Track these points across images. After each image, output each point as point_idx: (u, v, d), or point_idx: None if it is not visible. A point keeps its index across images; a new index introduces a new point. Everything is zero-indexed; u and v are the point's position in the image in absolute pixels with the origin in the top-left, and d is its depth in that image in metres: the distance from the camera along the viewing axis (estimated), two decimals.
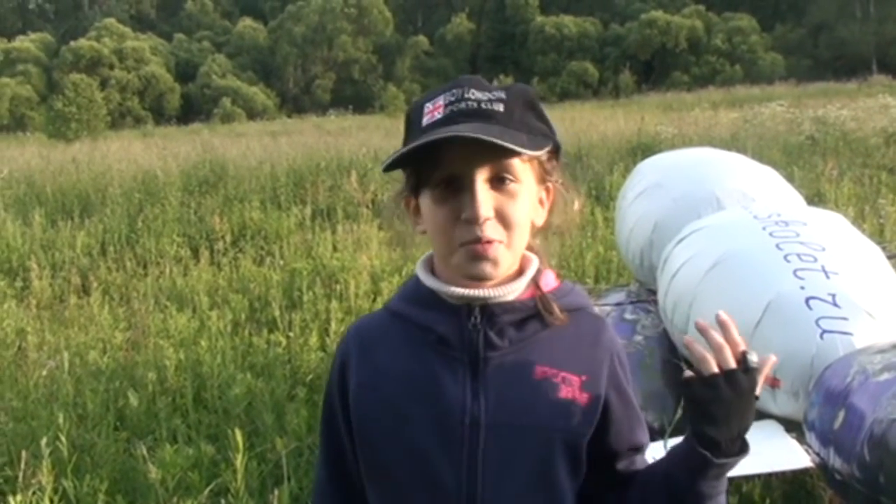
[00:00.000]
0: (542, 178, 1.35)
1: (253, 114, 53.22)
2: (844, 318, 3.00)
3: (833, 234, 3.53)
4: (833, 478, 2.67)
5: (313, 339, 5.46)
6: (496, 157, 1.24)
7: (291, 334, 5.72)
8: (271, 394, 4.67)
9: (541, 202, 1.36)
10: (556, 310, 1.36)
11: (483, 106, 1.26)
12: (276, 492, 3.39)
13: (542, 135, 1.30)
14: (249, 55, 65.69)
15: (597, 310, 1.48)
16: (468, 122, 1.24)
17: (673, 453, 1.34)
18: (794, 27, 61.50)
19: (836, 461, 2.62)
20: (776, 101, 20.54)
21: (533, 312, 1.36)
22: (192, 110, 55.83)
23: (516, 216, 1.28)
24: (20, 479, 3.60)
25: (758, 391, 1.27)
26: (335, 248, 8.43)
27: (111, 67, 57.60)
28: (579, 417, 1.33)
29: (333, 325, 5.73)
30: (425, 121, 1.28)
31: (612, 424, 1.38)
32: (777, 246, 3.38)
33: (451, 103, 1.27)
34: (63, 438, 3.77)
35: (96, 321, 6.39)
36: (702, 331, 1.28)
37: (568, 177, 1.42)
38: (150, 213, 10.70)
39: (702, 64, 58.92)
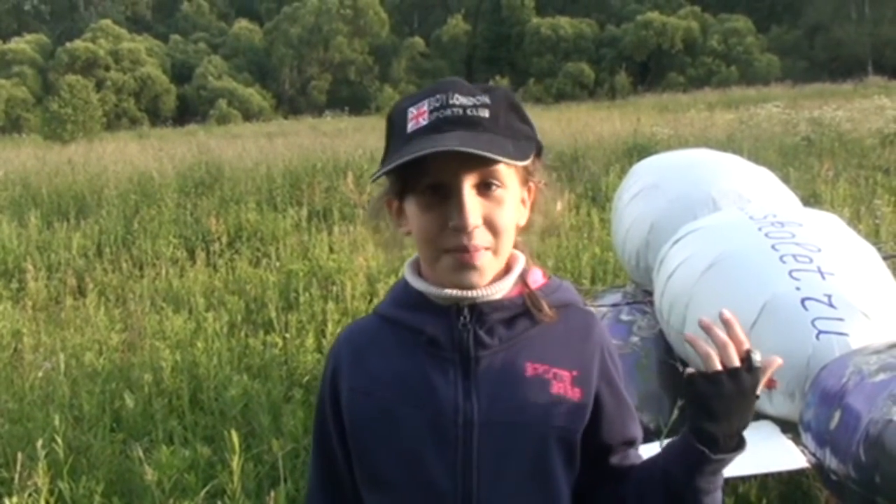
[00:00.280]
0: (525, 180, 1.36)
1: (249, 115, 53.17)
2: (840, 319, 3.01)
3: (829, 235, 3.53)
4: (829, 478, 2.68)
5: (310, 341, 5.45)
6: (483, 164, 1.24)
7: (288, 336, 5.71)
8: (268, 395, 4.66)
9: (523, 202, 1.37)
10: (545, 306, 1.36)
11: (468, 112, 1.25)
12: (272, 493, 3.38)
13: (525, 137, 1.30)
14: (245, 56, 65.64)
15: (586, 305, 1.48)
16: (454, 131, 1.23)
17: (670, 449, 1.34)
18: (790, 28, 61.59)
19: (832, 461, 2.63)
20: (772, 103, 20.56)
21: (522, 310, 1.36)
22: (188, 112, 55.79)
23: (503, 222, 1.29)
24: (16, 480, 3.59)
25: (759, 390, 1.27)
26: (331, 250, 8.42)
27: (107, 69, 57.52)
28: (572, 413, 1.34)
29: (330, 327, 5.73)
30: (410, 127, 1.27)
31: (604, 418, 1.38)
32: (773, 247, 3.38)
33: (435, 109, 1.26)
34: (59, 440, 3.77)
35: (92, 322, 6.39)
36: (706, 328, 1.29)
37: (549, 175, 1.43)
38: (146, 215, 10.70)
39: (698, 65, 58.97)
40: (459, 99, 1.26)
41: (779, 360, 1.29)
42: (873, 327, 3.01)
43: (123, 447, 4.31)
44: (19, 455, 3.67)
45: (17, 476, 3.61)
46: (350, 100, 55.62)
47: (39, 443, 3.59)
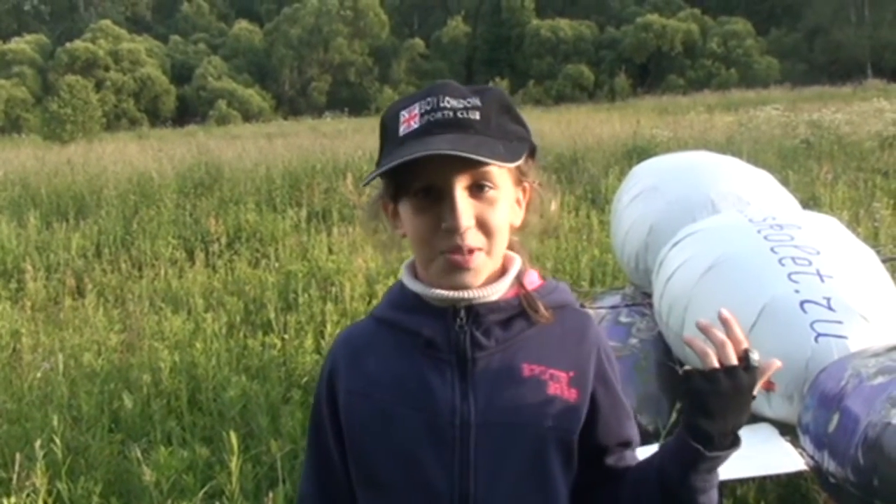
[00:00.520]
0: (519, 180, 1.36)
1: (248, 116, 53.17)
2: (839, 322, 3.01)
3: (828, 237, 3.54)
4: (827, 481, 2.68)
5: (308, 342, 5.45)
6: (474, 166, 1.24)
7: (286, 336, 5.72)
8: (266, 396, 4.66)
9: (517, 202, 1.37)
10: (541, 307, 1.37)
11: (459, 115, 1.26)
12: (270, 494, 3.38)
13: (518, 139, 1.31)
14: (245, 57, 65.63)
15: (581, 306, 1.49)
16: (445, 134, 1.24)
17: (665, 448, 1.35)
18: (790, 31, 61.62)
19: (830, 464, 2.63)
20: (771, 105, 20.59)
21: (518, 311, 1.37)
22: (188, 112, 55.79)
23: (496, 223, 1.30)
24: (14, 481, 3.60)
25: (756, 391, 1.28)
26: (330, 251, 8.43)
27: (106, 69, 57.51)
28: (568, 413, 1.34)
29: (329, 328, 5.73)
30: (402, 130, 1.28)
31: (600, 419, 1.39)
32: (772, 249, 3.38)
33: (426, 112, 1.26)
34: (57, 440, 3.77)
35: (91, 323, 6.39)
36: (704, 329, 1.29)
37: (544, 175, 1.43)
38: (145, 215, 10.70)
39: (697, 67, 58.97)
40: (450, 102, 1.27)
41: (777, 363, 1.29)
42: (872, 330, 3.01)
43: (122, 448, 4.31)
44: (17, 455, 3.67)
45: (15, 476, 3.61)
46: (350, 101, 55.64)
47: (38, 443, 3.59)
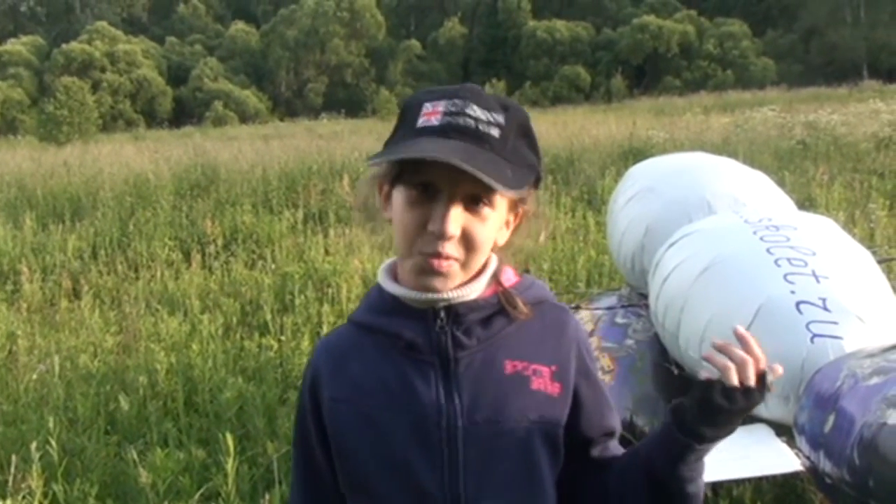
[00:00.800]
0: (515, 205, 1.37)
1: (245, 117, 53.18)
2: (835, 323, 3.01)
3: (823, 238, 3.54)
4: (823, 481, 2.68)
5: (305, 343, 5.45)
6: (477, 182, 1.23)
7: (283, 338, 5.72)
8: (262, 398, 4.66)
9: (507, 224, 1.38)
10: (520, 304, 1.38)
11: (480, 128, 1.26)
12: (266, 496, 3.38)
13: (528, 166, 1.31)
14: (242, 59, 65.64)
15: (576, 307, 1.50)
16: (461, 141, 1.24)
17: (652, 439, 1.36)
18: (786, 32, 61.73)
19: (826, 465, 2.63)
20: (767, 106, 20.59)
21: (497, 309, 1.37)
22: (184, 113, 55.75)
23: (481, 239, 1.30)
24: (10, 483, 3.59)
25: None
26: (327, 252, 8.43)
27: (103, 70, 57.50)
28: (553, 407, 1.36)
29: (325, 329, 5.72)
30: (421, 121, 1.27)
31: (583, 411, 1.40)
32: (768, 250, 3.38)
33: (450, 113, 1.26)
34: (53, 442, 3.76)
35: (87, 325, 6.38)
36: (721, 348, 1.28)
37: (538, 205, 1.43)
38: (141, 217, 10.69)
39: (693, 69, 59.08)
40: (476, 111, 1.26)
41: (780, 370, 1.29)
42: (868, 331, 3.02)
43: (118, 450, 4.31)
44: (13, 458, 3.67)
45: (10, 479, 3.61)
46: (346, 102, 55.65)
47: (34, 445, 3.59)
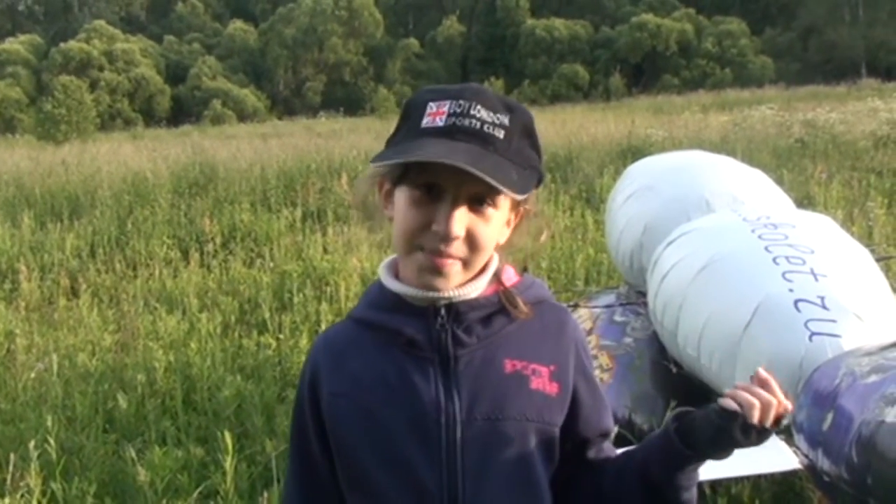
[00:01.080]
0: (516, 204, 1.38)
1: (243, 116, 53.11)
2: (833, 321, 3.01)
3: (822, 236, 3.54)
4: (821, 479, 2.68)
5: (303, 342, 5.45)
6: (483, 183, 1.24)
7: (281, 336, 5.72)
8: (261, 396, 4.66)
9: (507, 223, 1.38)
10: (520, 303, 1.38)
11: (485, 129, 1.26)
12: (265, 494, 3.38)
13: (531, 167, 1.31)
14: (240, 57, 65.55)
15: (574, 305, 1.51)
16: (466, 143, 1.24)
17: (651, 445, 1.37)
18: (784, 31, 61.72)
19: (824, 463, 2.63)
20: (766, 105, 20.61)
21: (498, 308, 1.38)
22: (183, 112, 55.66)
23: (485, 239, 1.31)
24: (8, 481, 3.60)
25: None
26: (325, 250, 8.43)
27: (101, 69, 57.40)
28: (551, 407, 1.36)
29: (324, 328, 5.71)
30: (425, 122, 1.28)
31: (581, 412, 1.41)
32: (766, 248, 3.38)
33: (454, 114, 1.26)
34: (52, 441, 3.76)
35: (85, 323, 6.37)
36: (746, 389, 1.29)
37: (538, 205, 1.44)
38: (139, 215, 10.69)
39: (692, 67, 59.05)
40: (481, 112, 1.27)
41: (791, 407, 1.30)
42: (866, 329, 3.02)
43: (116, 448, 4.31)
44: (12, 456, 3.67)
45: (9, 477, 3.61)
46: (345, 101, 55.57)
47: (32, 444, 3.59)
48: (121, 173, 14.02)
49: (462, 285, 1.34)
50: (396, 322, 1.36)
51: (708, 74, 56.66)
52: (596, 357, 3.88)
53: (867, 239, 6.51)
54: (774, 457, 2.88)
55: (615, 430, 1.50)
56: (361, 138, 20.09)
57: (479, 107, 1.27)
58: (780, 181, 5.69)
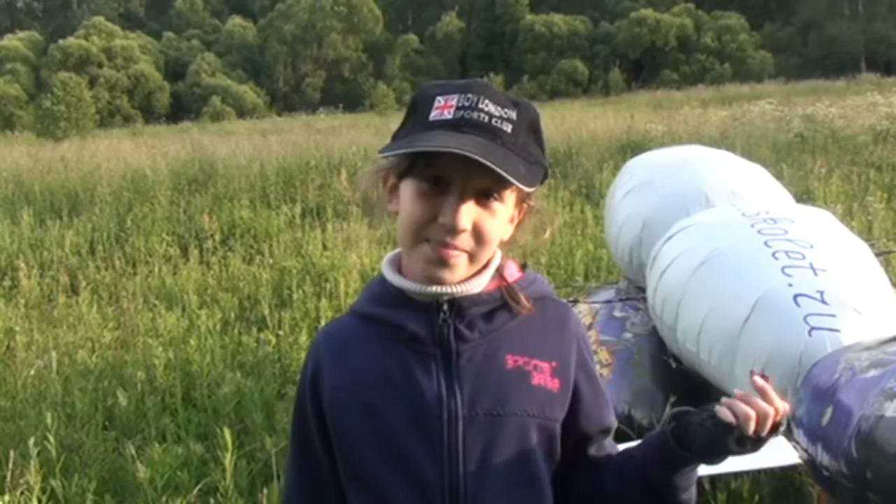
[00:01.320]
0: (521, 201, 1.38)
1: (243, 112, 53.03)
2: (832, 315, 3.01)
3: (821, 231, 3.54)
4: (821, 474, 2.68)
5: (303, 338, 5.45)
6: (491, 176, 1.24)
7: (281, 333, 5.72)
8: (261, 393, 4.66)
9: (511, 219, 1.39)
10: (523, 299, 1.39)
11: (493, 123, 1.27)
12: (265, 491, 3.38)
13: (537, 162, 1.31)
14: (239, 53, 65.46)
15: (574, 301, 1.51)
16: (475, 136, 1.25)
17: (650, 445, 1.37)
18: (784, 25, 61.65)
19: (823, 457, 2.63)
20: (765, 100, 20.57)
21: (500, 303, 1.38)
22: (182, 109, 55.62)
23: (491, 233, 1.31)
24: (8, 479, 3.59)
25: None
26: (325, 247, 8.43)
27: (100, 66, 57.33)
28: (552, 403, 1.37)
29: (323, 324, 5.71)
30: (433, 115, 1.28)
31: (582, 408, 1.41)
32: (765, 243, 3.38)
33: (463, 107, 1.27)
34: (51, 438, 3.76)
35: (85, 320, 6.38)
36: (743, 398, 1.29)
37: (542, 201, 1.45)
38: (139, 212, 10.68)
39: (691, 62, 58.99)
40: (489, 106, 1.28)
41: (789, 408, 1.32)
42: (865, 323, 3.02)
43: (116, 445, 4.31)
44: (11, 453, 3.67)
45: (9, 474, 3.61)
46: (344, 97, 55.52)
47: (31, 441, 3.59)
48: (120, 170, 14.01)
49: (465, 280, 1.34)
50: (399, 317, 1.36)
51: (707, 69, 56.61)
52: (595, 352, 3.87)
53: (866, 233, 6.51)
54: (774, 452, 2.88)
55: (615, 425, 1.50)
56: (361, 134, 20.08)
57: (486, 101, 1.28)
58: (779, 176, 5.68)
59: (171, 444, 4.04)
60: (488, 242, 1.32)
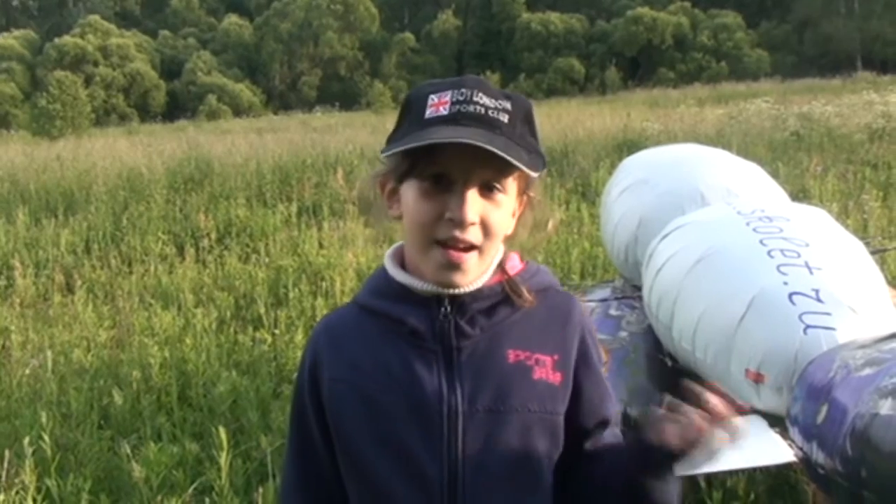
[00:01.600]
0: (522, 191, 1.37)
1: (239, 111, 53.06)
2: (828, 314, 3.01)
3: (817, 229, 3.54)
4: (816, 472, 2.68)
5: (299, 337, 5.45)
6: (494, 166, 1.24)
7: (277, 332, 5.71)
8: (256, 391, 4.66)
9: (513, 213, 1.38)
10: (524, 292, 1.38)
11: (490, 114, 1.27)
12: (260, 490, 3.38)
13: (536, 152, 1.31)
14: (235, 52, 65.44)
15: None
16: (473, 128, 1.24)
17: (630, 451, 1.34)
18: (780, 24, 61.75)
19: (818, 455, 2.63)
20: (761, 98, 20.62)
21: (502, 297, 1.38)
22: (178, 107, 55.62)
23: (497, 226, 1.31)
24: (3, 478, 3.58)
25: None
26: (321, 246, 8.42)
27: (96, 64, 57.31)
28: (553, 397, 1.36)
29: None
30: (429, 113, 1.28)
31: (582, 400, 1.41)
32: (761, 241, 3.38)
33: (458, 102, 1.27)
34: (46, 437, 3.75)
35: (80, 319, 6.37)
36: (674, 408, 1.28)
37: (542, 193, 1.44)
38: (135, 211, 10.67)
39: (688, 60, 59.08)
40: (483, 98, 1.28)
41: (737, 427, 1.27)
42: (860, 322, 3.02)
43: (111, 444, 4.30)
44: (6, 453, 3.66)
45: (3, 473, 3.60)
46: (340, 95, 55.51)
47: (27, 440, 3.58)
48: (116, 169, 13.99)
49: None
50: (400, 311, 1.36)
51: (704, 68, 56.73)
52: None
53: (862, 232, 6.52)
54: (769, 450, 2.88)
55: (615, 416, 1.49)
56: (357, 133, 20.08)
57: (480, 94, 1.28)
58: (775, 174, 5.69)
59: (166, 443, 4.04)
60: (495, 235, 1.32)
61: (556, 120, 19.65)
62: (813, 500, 3.14)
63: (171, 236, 9.53)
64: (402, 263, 1.39)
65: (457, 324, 1.34)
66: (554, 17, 64.16)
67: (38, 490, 3.55)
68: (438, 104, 1.28)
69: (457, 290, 1.33)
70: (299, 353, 5.28)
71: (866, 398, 2.51)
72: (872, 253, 3.78)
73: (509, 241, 1.41)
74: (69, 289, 7.54)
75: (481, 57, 64.16)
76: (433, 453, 1.31)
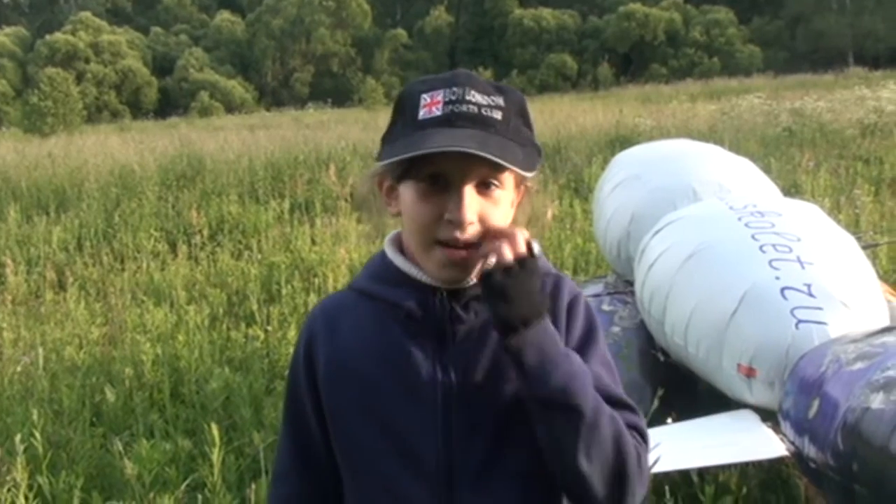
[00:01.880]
0: (519, 182, 1.37)
1: (231, 107, 52.96)
2: (819, 308, 3.02)
3: (808, 224, 3.55)
4: (808, 466, 2.69)
5: (291, 333, 5.44)
6: (489, 164, 1.24)
7: (270, 328, 5.70)
8: (249, 388, 4.65)
9: (512, 203, 1.38)
10: None
11: (483, 112, 1.27)
12: (253, 486, 3.37)
13: (531, 144, 1.32)
14: (227, 48, 65.28)
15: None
16: (467, 129, 1.25)
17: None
18: (772, 19, 61.82)
19: (810, 450, 2.64)
20: (754, 94, 20.67)
21: None
22: (170, 104, 55.46)
23: (496, 222, 1.31)
24: None
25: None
26: (313, 242, 8.42)
27: (87, 61, 57.12)
28: None
29: None
30: (422, 114, 1.28)
31: None
32: (753, 236, 3.39)
33: (450, 102, 1.27)
34: (38, 435, 3.74)
35: (72, 316, 6.35)
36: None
37: (539, 182, 1.45)
38: (126, 208, 10.64)
39: (680, 56, 59.15)
40: (475, 96, 1.27)
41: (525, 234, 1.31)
42: (852, 316, 3.03)
43: (103, 441, 4.29)
44: None
45: None
46: (333, 92, 55.43)
47: (18, 437, 3.56)
48: (108, 166, 13.94)
49: None
50: (396, 295, 1.37)
51: (696, 63, 56.79)
52: None
53: (854, 227, 6.53)
54: (761, 444, 2.89)
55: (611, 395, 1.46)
56: (349, 129, 20.06)
57: (472, 91, 1.27)
58: (767, 170, 5.70)
59: (158, 440, 4.03)
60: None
61: (548, 116, 19.65)
62: (805, 494, 3.15)
63: (163, 233, 9.50)
64: (401, 249, 1.40)
65: (452, 309, 1.35)
66: (546, 13, 64.15)
67: (30, 487, 3.54)
68: (431, 104, 1.27)
69: (465, 284, 1.34)
70: (292, 350, 5.25)
71: (858, 392, 2.52)
72: (864, 248, 3.79)
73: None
74: (61, 286, 7.52)
75: (474, 53, 64.11)
76: (428, 436, 1.32)
